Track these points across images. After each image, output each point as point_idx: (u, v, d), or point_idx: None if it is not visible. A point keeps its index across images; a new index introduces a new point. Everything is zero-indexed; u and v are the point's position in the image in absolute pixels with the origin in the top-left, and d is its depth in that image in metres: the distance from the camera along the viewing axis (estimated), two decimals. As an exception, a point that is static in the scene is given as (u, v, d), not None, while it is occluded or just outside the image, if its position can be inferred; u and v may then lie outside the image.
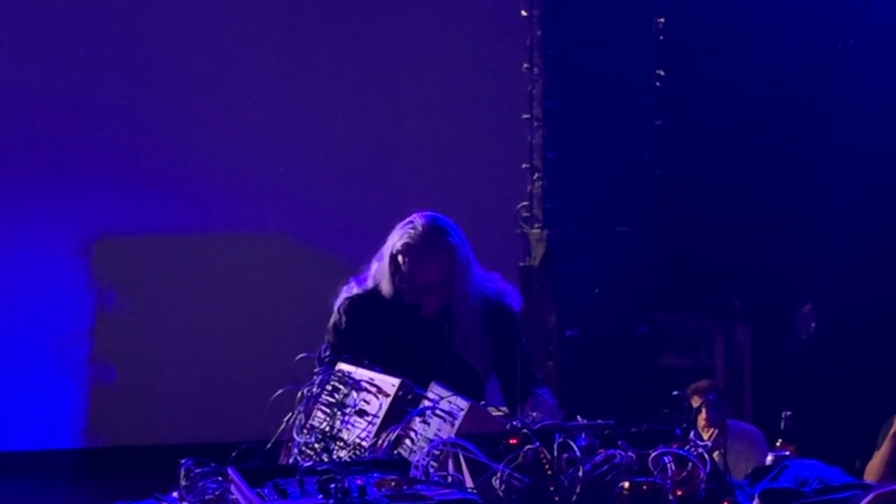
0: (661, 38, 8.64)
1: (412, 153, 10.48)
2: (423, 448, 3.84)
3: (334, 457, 4.21)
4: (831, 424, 7.98)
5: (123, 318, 10.37)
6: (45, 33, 10.14)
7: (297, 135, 10.50)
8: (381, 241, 5.07)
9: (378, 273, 5.04)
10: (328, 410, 4.39)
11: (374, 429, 4.22)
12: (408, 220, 5.03)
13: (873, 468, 6.06)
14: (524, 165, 8.62)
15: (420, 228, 4.96)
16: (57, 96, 10.19)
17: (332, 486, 3.33)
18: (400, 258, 4.95)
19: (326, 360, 4.78)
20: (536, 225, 8.56)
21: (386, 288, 5.00)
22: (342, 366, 4.51)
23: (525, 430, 3.68)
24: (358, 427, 4.27)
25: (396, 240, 4.97)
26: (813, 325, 8.86)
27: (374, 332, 4.93)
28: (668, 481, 3.59)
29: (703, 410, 6.83)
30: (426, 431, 4.02)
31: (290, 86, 10.49)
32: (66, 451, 10.08)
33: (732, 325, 9.10)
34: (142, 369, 10.29)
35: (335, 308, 5.10)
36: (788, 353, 8.87)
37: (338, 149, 10.50)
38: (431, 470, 3.66)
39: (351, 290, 5.10)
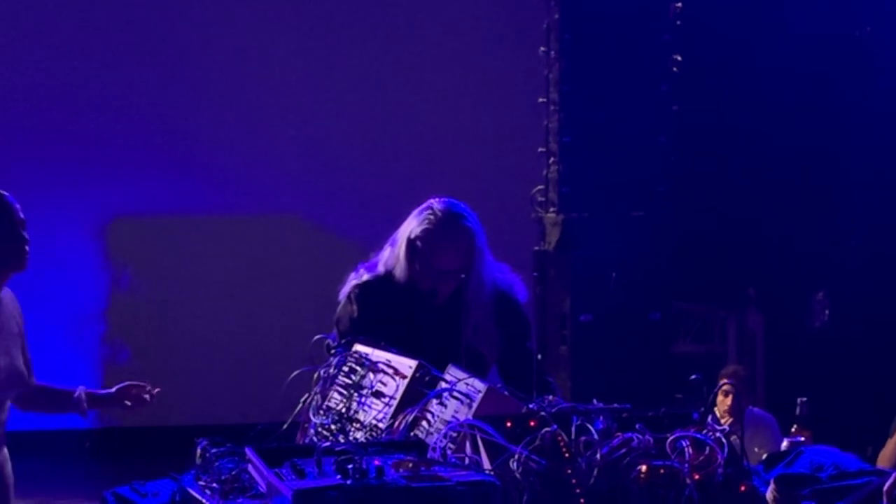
0: (678, 23, 8.63)
1: (428, 136, 10.48)
2: (440, 430, 3.84)
3: (350, 438, 4.20)
4: (843, 412, 7.98)
5: (138, 299, 10.39)
6: (66, 18, 10.15)
7: (312, 117, 10.50)
8: (396, 223, 5.03)
9: (391, 258, 5.01)
10: (345, 392, 4.38)
11: (391, 410, 4.21)
12: (425, 205, 4.99)
13: (887, 455, 6.07)
14: (540, 149, 8.60)
15: (440, 214, 4.93)
16: (72, 79, 10.19)
17: (350, 466, 3.33)
18: (419, 244, 4.92)
19: (336, 348, 4.70)
20: (552, 209, 8.55)
21: (401, 273, 4.97)
22: (359, 347, 4.49)
23: (543, 413, 3.68)
24: (374, 408, 4.27)
25: (415, 226, 4.94)
26: (826, 312, 8.85)
27: (386, 317, 4.89)
28: (686, 465, 3.60)
29: (729, 395, 6.89)
30: (443, 413, 4.02)
31: (305, 68, 10.48)
32: (81, 431, 10.07)
33: (746, 311, 9.10)
34: (156, 350, 10.31)
35: (344, 296, 5.04)
36: (801, 341, 8.87)
37: (352, 131, 10.50)
38: (449, 452, 3.67)
39: (360, 276, 5.05)
